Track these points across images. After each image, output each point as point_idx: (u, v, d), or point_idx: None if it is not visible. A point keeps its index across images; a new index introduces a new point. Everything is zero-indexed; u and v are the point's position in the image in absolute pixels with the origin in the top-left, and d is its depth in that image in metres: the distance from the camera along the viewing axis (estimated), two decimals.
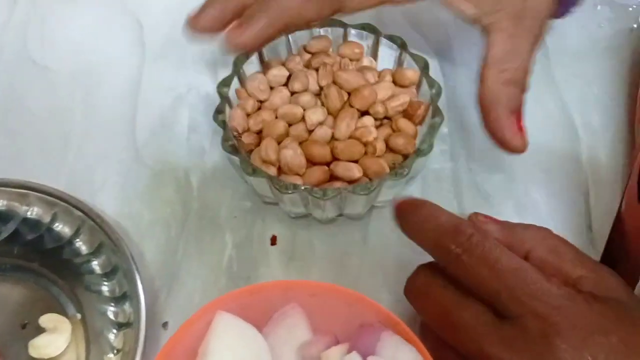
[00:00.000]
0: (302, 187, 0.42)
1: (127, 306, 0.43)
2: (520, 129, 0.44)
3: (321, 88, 0.48)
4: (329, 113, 0.47)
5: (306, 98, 0.47)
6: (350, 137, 0.46)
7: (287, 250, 0.47)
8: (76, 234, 0.46)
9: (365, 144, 0.45)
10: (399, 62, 0.49)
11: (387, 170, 0.45)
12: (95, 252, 0.45)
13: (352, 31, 0.50)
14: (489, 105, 0.44)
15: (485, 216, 0.40)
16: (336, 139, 0.46)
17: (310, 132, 0.46)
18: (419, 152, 0.44)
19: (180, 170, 0.51)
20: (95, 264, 0.45)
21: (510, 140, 0.44)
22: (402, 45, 0.49)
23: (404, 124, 0.46)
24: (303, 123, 0.46)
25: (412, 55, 0.48)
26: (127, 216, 0.49)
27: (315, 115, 0.46)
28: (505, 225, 0.39)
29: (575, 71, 0.55)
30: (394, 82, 0.49)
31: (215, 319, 0.37)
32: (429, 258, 0.38)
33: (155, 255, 0.47)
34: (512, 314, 0.34)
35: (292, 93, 0.48)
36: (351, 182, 0.44)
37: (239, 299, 0.37)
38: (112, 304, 0.44)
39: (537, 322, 0.34)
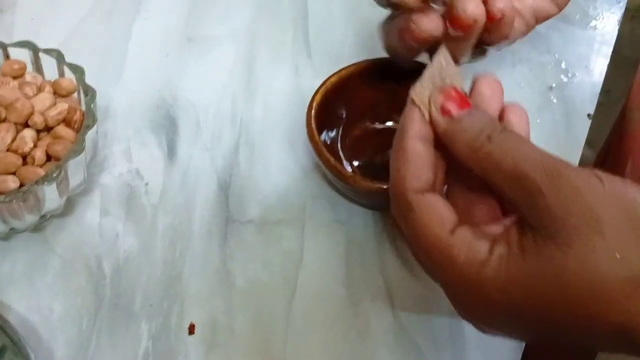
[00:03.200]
0: None
1: None
2: None
3: None
4: None
5: None
6: (8, 150, 0.47)
7: (207, 339, 0.45)
8: None
9: (24, 155, 0.47)
10: (60, 73, 0.51)
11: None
12: None
13: (13, 49, 0.51)
14: None
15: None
16: None
17: None
18: (72, 154, 0.45)
19: (92, 258, 0.48)
20: None
21: None
22: (59, 57, 0.50)
23: (62, 131, 0.48)
24: None
25: (69, 65, 0.50)
26: (35, 310, 0.46)
27: None
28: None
29: None
30: (55, 92, 0.50)
31: None
32: None
33: (66, 351, 0.44)
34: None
35: None
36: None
37: None
38: None
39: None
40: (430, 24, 0.45)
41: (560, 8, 0.52)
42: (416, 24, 0.45)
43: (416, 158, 0.36)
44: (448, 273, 0.34)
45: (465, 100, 0.37)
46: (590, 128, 0.56)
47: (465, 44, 0.47)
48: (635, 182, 0.38)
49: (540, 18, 0.51)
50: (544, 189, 0.32)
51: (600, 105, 0.60)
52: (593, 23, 0.61)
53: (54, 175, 0.44)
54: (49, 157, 0.47)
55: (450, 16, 0.45)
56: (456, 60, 0.47)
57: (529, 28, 0.50)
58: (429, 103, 0.37)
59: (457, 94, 0.37)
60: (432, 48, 0.47)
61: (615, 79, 0.64)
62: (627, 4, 0.63)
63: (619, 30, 0.62)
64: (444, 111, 0.37)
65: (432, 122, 0.37)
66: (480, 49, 0.49)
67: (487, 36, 0.47)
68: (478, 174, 0.35)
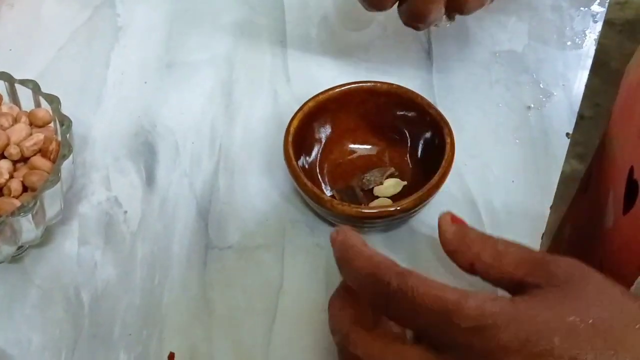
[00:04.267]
0: None
1: None
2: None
3: None
4: None
5: None
6: None
7: None
8: None
9: (0, 187, 0.47)
10: (36, 103, 0.51)
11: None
12: None
13: None
14: None
15: (453, 216, 0.42)
16: None
17: None
18: (48, 185, 0.45)
19: (70, 287, 0.48)
20: None
21: None
22: (35, 88, 0.50)
23: (38, 161, 0.48)
24: None
25: (45, 96, 0.50)
26: (13, 343, 0.45)
27: None
28: (458, 230, 0.41)
29: (474, 152, 0.54)
30: (31, 123, 0.50)
31: None
32: None
33: None
34: (448, 345, 0.34)
35: None
36: None
37: None
38: None
39: (478, 339, 0.33)
40: None
41: None
42: None
43: None
44: None
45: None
46: (580, 143, 0.56)
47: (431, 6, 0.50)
48: (617, 216, 0.39)
49: None
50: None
51: (589, 118, 0.60)
52: (569, 43, 0.61)
53: (30, 206, 0.44)
54: (25, 188, 0.47)
55: None
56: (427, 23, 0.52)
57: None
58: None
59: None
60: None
61: (604, 93, 0.64)
62: (615, 18, 0.63)
63: (605, 44, 0.62)
64: (455, 219, 0.42)
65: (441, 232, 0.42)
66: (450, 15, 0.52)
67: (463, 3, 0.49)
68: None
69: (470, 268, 0.40)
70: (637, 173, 0.44)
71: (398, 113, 0.53)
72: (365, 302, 0.38)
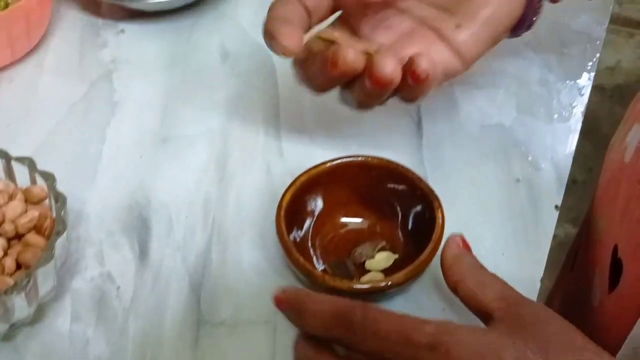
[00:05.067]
0: None
1: None
2: None
3: None
4: None
5: None
6: None
7: None
8: None
9: None
10: (32, 180, 0.51)
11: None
12: None
13: None
14: None
15: (463, 240, 0.46)
16: None
17: None
18: (42, 262, 0.45)
19: None
20: None
21: None
22: (31, 165, 0.51)
23: (33, 238, 0.48)
24: None
25: (41, 173, 0.50)
26: None
27: None
28: (459, 251, 0.45)
29: (465, 226, 0.54)
30: (26, 200, 0.51)
31: None
32: None
33: None
34: None
35: None
36: None
37: None
38: None
39: (435, 355, 0.36)
40: (354, 59, 0.49)
41: (467, 66, 0.54)
42: (341, 55, 0.49)
43: None
44: None
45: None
46: (575, 208, 0.57)
47: (379, 99, 0.51)
48: (603, 295, 0.41)
49: (449, 76, 0.53)
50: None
51: (582, 182, 0.61)
52: (557, 116, 0.63)
53: (23, 284, 0.44)
54: (18, 265, 0.47)
55: (369, 71, 0.48)
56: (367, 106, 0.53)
57: (439, 86, 0.53)
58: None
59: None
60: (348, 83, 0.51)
61: (596, 158, 0.65)
62: (605, 83, 0.65)
63: (596, 109, 0.63)
64: (463, 243, 0.46)
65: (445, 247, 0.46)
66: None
67: (407, 92, 0.50)
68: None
69: (454, 288, 0.44)
70: (622, 251, 0.45)
71: (389, 187, 0.54)
72: (331, 340, 0.41)
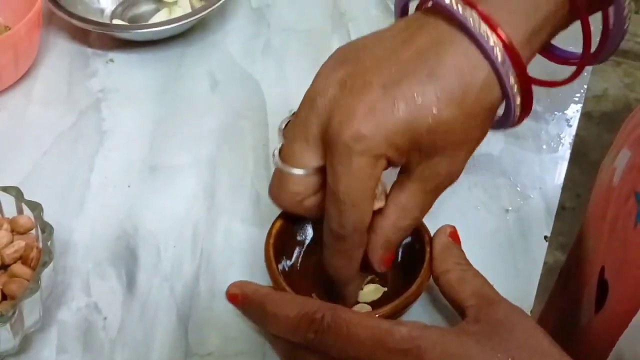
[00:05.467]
0: None
1: None
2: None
3: None
4: None
5: None
6: None
7: None
8: None
9: None
10: (19, 210, 0.51)
11: None
12: None
13: None
14: None
15: (453, 232, 0.47)
16: None
17: None
18: (28, 293, 0.45)
19: None
20: None
21: None
22: (17, 195, 0.51)
23: (19, 269, 0.48)
24: None
25: (28, 203, 0.50)
26: None
27: None
28: (448, 243, 0.46)
29: None
30: (13, 230, 0.51)
31: None
32: None
33: None
34: None
35: None
36: None
37: None
38: None
39: None
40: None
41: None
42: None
43: None
44: None
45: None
46: (564, 233, 0.57)
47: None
48: (590, 315, 0.41)
49: None
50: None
51: (571, 209, 0.61)
52: (545, 146, 0.63)
53: (9, 315, 0.44)
54: (4, 296, 0.47)
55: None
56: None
57: None
58: None
59: None
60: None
61: (585, 184, 0.66)
62: (593, 110, 0.65)
63: (584, 136, 0.64)
64: (453, 235, 0.47)
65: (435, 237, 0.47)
66: None
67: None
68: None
69: (436, 278, 0.45)
70: (608, 273, 0.45)
71: None
72: (299, 344, 0.40)
